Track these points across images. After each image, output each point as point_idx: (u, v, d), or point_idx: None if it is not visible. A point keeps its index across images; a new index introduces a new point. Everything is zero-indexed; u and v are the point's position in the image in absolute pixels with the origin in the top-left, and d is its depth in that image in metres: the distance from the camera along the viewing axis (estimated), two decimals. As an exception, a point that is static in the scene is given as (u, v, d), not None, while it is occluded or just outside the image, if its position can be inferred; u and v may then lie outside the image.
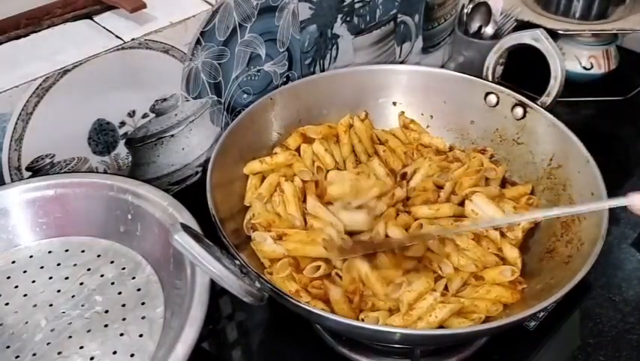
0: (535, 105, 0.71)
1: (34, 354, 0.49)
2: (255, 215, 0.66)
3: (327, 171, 0.72)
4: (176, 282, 0.51)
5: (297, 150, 0.74)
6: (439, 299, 0.58)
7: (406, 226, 0.65)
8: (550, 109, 0.70)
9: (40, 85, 0.58)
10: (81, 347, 0.49)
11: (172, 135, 0.73)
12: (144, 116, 0.68)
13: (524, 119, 0.72)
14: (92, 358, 0.49)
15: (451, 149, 0.78)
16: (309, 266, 0.61)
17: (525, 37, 0.71)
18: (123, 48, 0.62)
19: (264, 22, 0.73)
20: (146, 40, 0.63)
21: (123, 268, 0.56)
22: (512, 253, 0.63)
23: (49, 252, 0.57)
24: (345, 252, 0.61)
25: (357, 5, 0.83)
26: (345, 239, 0.63)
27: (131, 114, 0.67)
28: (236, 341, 0.66)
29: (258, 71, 0.77)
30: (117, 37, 0.63)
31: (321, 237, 0.62)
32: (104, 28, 0.64)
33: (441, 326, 0.57)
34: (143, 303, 0.53)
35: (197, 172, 0.78)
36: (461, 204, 0.68)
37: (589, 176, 0.63)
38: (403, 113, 0.80)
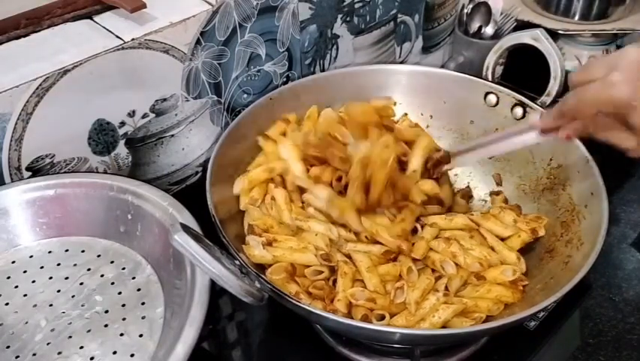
0: (535, 105, 0.71)
1: (34, 354, 0.49)
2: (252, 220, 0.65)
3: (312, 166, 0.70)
4: (176, 282, 0.51)
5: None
6: (442, 300, 0.58)
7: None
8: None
9: (40, 85, 0.58)
10: (81, 347, 0.49)
11: (172, 135, 0.73)
12: (144, 116, 0.68)
13: (524, 119, 0.72)
14: (92, 358, 0.49)
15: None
16: (311, 269, 0.61)
17: (525, 37, 0.72)
18: (123, 48, 0.62)
19: (264, 22, 0.73)
20: (146, 40, 0.63)
21: (123, 268, 0.56)
22: (510, 256, 0.63)
23: (49, 252, 0.57)
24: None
25: (357, 5, 0.83)
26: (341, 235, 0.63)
27: (131, 114, 0.67)
28: (236, 341, 0.66)
29: (258, 71, 0.77)
30: (117, 37, 0.63)
31: (311, 245, 0.62)
32: (104, 28, 0.64)
33: (443, 326, 0.57)
34: (143, 303, 0.53)
35: (197, 172, 0.78)
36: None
37: (589, 176, 0.63)
38: (406, 115, 0.80)
